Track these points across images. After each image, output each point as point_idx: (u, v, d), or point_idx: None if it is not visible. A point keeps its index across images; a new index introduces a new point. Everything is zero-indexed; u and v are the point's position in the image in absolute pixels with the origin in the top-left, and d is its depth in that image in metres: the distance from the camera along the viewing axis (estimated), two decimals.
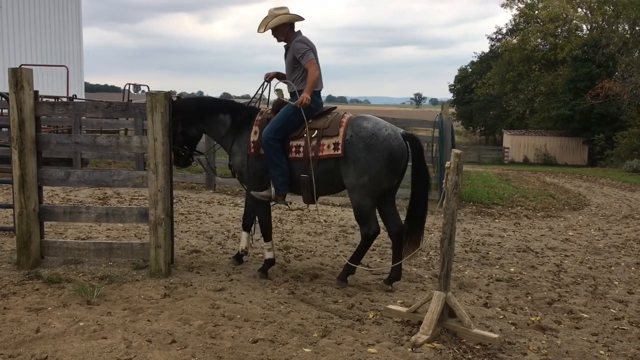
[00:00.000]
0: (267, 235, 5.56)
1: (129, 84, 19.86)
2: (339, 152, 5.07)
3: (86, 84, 25.84)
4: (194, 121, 5.56)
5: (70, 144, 5.27)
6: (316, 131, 5.18)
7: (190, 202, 9.57)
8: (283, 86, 5.54)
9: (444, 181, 4.28)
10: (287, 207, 5.70)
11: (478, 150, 42.47)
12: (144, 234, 6.82)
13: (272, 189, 5.31)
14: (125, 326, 4.08)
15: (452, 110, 58.49)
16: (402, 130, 5.34)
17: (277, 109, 5.41)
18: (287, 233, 7.50)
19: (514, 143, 40.97)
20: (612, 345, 4.25)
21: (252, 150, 5.35)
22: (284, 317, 4.42)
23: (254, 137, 5.35)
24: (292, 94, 5.45)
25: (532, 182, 17.90)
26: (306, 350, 3.85)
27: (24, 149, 5.05)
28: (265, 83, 5.68)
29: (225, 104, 5.75)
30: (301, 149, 5.21)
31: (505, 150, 41.13)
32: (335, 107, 5.53)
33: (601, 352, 4.11)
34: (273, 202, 5.46)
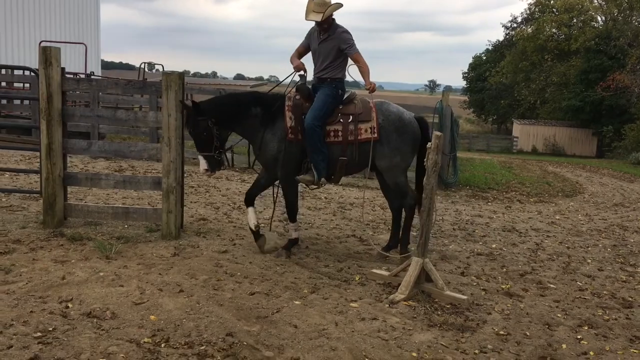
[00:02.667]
0: (293, 217, 5.74)
1: (144, 63, 20.43)
2: (375, 135, 5.57)
3: (102, 61, 26.41)
4: (230, 121, 5.45)
5: (93, 116, 5.83)
6: (351, 116, 5.61)
7: (200, 177, 10.13)
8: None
9: (424, 160, 4.79)
10: (319, 188, 5.95)
11: (487, 138, 42.71)
12: (156, 202, 7.40)
13: (315, 172, 5.50)
14: (139, 277, 4.66)
15: (464, 98, 58.69)
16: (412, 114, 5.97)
17: (308, 96, 5.58)
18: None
19: (524, 132, 41.18)
20: (570, 310, 4.77)
21: (292, 135, 5.43)
22: (279, 276, 4.99)
23: (290, 123, 5.43)
24: (322, 80, 5.66)
25: (534, 170, 18.31)
26: (296, 302, 4.41)
27: (51, 120, 5.61)
28: (299, 73, 5.65)
29: (253, 96, 5.64)
30: (340, 133, 5.55)
31: (515, 139, 41.34)
32: (355, 93, 5.86)
33: (558, 315, 4.63)
34: (315, 186, 5.72)
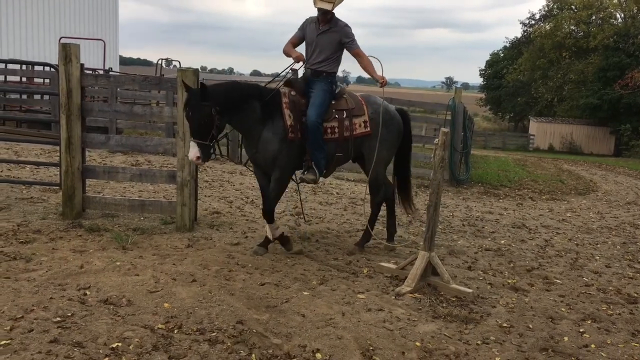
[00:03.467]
0: (272, 216, 5.49)
1: (162, 59, 20.68)
2: (368, 129, 5.63)
3: (120, 57, 26.75)
4: (232, 111, 5.08)
5: (111, 111, 6.03)
6: (345, 112, 5.59)
7: (214, 171, 10.31)
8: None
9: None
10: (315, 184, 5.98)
11: (503, 136, 42.49)
12: (172, 195, 7.58)
13: (316, 170, 5.41)
14: (154, 267, 4.83)
15: (481, 95, 58.32)
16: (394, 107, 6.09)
17: (303, 91, 5.46)
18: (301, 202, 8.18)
19: (540, 130, 40.90)
20: (574, 305, 4.85)
21: (292, 134, 5.22)
22: (289, 268, 5.13)
23: (290, 121, 5.22)
24: (317, 74, 5.52)
25: (549, 168, 18.26)
26: (305, 293, 4.55)
27: (70, 114, 5.80)
28: (294, 67, 5.52)
29: (254, 88, 5.31)
30: (336, 130, 5.48)
31: (531, 137, 41.08)
32: (344, 88, 5.94)
33: (562, 309, 4.72)
34: (314, 184, 5.76)
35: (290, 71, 5.53)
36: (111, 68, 17.62)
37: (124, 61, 28.24)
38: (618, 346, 4.07)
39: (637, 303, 5.03)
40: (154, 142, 6.05)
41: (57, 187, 6.82)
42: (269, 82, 5.71)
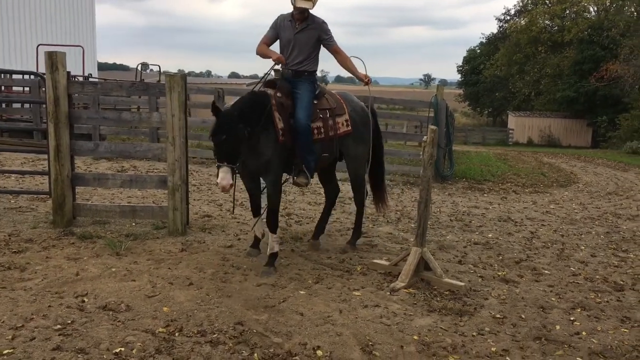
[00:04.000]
0: (276, 226, 5.30)
1: (140, 64, 20.53)
2: (349, 128, 5.59)
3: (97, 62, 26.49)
4: (255, 126, 4.81)
5: (99, 118, 6.03)
6: (328, 111, 5.51)
7: (201, 175, 10.32)
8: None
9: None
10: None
11: (483, 131, 42.92)
12: (160, 201, 7.58)
13: (307, 173, 5.29)
14: (150, 272, 4.85)
15: (459, 91, 58.89)
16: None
17: (288, 93, 5.28)
18: (290, 202, 8.25)
19: (519, 124, 41.42)
20: (563, 294, 4.98)
21: (283, 137, 5.05)
22: (284, 268, 5.19)
23: (280, 125, 5.04)
24: (299, 74, 5.38)
25: (529, 161, 18.54)
26: (301, 292, 4.62)
27: (58, 122, 5.79)
28: (277, 68, 5.37)
29: (264, 96, 5.10)
30: (322, 130, 5.37)
31: (510, 131, 41.57)
32: (324, 87, 5.86)
33: (552, 298, 4.84)
34: (305, 187, 5.57)
35: (272, 73, 5.35)
36: (91, 74, 17.48)
37: (101, 66, 27.98)
38: (608, 332, 4.19)
39: (624, 290, 5.17)
40: (143, 147, 6.06)
41: (46, 196, 6.79)
42: (257, 85, 5.34)
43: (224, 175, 4.52)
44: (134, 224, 6.36)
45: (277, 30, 5.41)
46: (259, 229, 5.51)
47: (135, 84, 6.37)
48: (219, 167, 4.60)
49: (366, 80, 5.48)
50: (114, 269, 4.87)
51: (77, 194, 7.27)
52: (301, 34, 5.35)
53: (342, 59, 5.53)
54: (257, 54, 5.44)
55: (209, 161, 12.06)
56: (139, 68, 20.37)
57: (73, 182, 6.02)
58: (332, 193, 6.20)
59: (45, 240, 5.57)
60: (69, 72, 5.85)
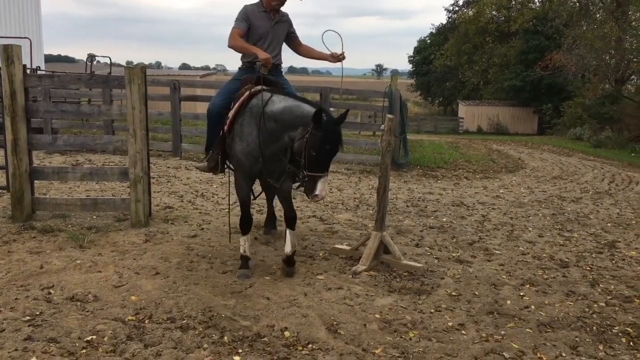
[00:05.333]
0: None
1: (90, 55, 20.06)
2: None
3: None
4: None
5: (57, 112, 5.98)
6: None
7: (159, 167, 10.28)
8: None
9: (379, 141, 5.19)
10: None
11: (435, 120, 43.77)
12: (120, 194, 7.57)
13: None
14: (115, 263, 4.91)
15: (410, 81, 59.76)
16: None
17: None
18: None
19: (469, 113, 42.43)
20: (513, 272, 5.29)
21: None
22: (242, 278, 5.30)
23: None
24: (276, 67, 5.20)
25: (479, 149, 19.12)
26: (266, 277, 4.77)
27: (15, 116, 5.73)
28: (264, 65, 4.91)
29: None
30: None
31: (460, 120, 42.54)
32: None
33: (503, 276, 5.14)
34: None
35: (261, 71, 4.88)
36: (39, 67, 17.00)
37: (47, 59, 27.15)
38: (555, 305, 4.50)
39: (569, 267, 5.52)
40: (104, 140, 6.06)
41: (4, 191, 6.69)
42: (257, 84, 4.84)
43: (326, 186, 4.31)
44: (95, 217, 6.35)
45: (250, 21, 5.04)
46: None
47: (94, 76, 6.34)
48: (318, 178, 4.22)
49: (339, 56, 5.06)
50: (78, 261, 4.90)
51: (34, 188, 7.21)
52: (277, 27, 5.17)
53: (308, 50, 5.39)
54: (234, 48, 5.04)
55: (166, 153, 12.01)
56: (88, 60, 19.92)
57: (32, 176, 5.97)
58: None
59: (5, 235, 5.52)
60: (24, 65, 5.79)
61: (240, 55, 5.26)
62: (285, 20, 5.26)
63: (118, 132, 11.68)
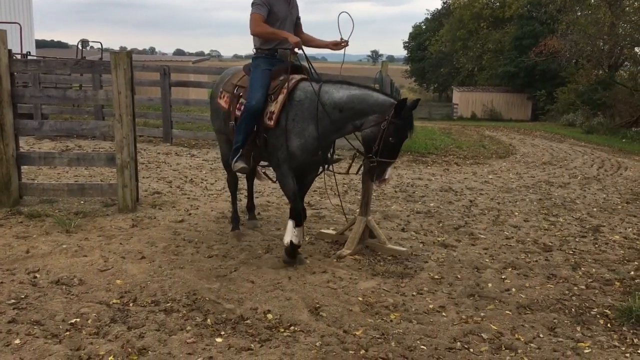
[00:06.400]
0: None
1: (81, 41, 19.91)
2: None
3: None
4: None
5: (43, 96, 5.98)
6: None
7: (149, 153, 10.28)
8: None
9: None
10: None
11: (429, 106, 43.72)
12: (109, 179, 7.58)
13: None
14: (101, 247, 4.94)
15: (406, 67, 59.63)
16: None
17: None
18: (240, 179, 8.36)
19: (463, 99, 42.40)
20: (497, 255, 5.35)
21: None
22: (235, 240, 5.36)
23: None
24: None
25: (471, 135, 19.16)
26: (251, 261, 4.81)
27: (1, 101, 5.72)
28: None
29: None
30: None
31: (455, 106, 42.53)
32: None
33: (487, 260, 5.21)
34: None
35: (296, 58, 4.87)
36: (29, 52, 16.88)
37: (39, 44, 26.95)
38: (535, 288, 4.57)
39: (552, 251, 5.59)
40: (90, 125, 6.07)
41: None
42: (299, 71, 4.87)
43: (392, 171, 4.55)
44: (82, 202, 6.38)
45: (270, 7, 4.80)
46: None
47: (79, 61, 6.33)
48: (389, 164, 4.45)
49: (343, 44, 4.86)
50: (64, 246, 4.93)
51: (23, 173, 7.22)
52: (292, 10, 5.01)
53: (310, 38, 5.17)
54: (261, 34, 4.84)
55: (157, 139, 11.99)
56: (79, 45, 19.78)
57: (18, 162, 5.98)
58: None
59: None
60: (10, 50, 5.77)
61: (254, 43, 4.99)
62: (296, 5, 5.10)
63: (108, 117, 11.66)
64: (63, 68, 6.55)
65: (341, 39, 4.80)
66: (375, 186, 4.56)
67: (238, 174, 5.45)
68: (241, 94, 4.95)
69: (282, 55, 4.92)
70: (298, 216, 4.73)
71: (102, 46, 19.73)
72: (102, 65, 6.31)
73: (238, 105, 4.92)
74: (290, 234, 4.72)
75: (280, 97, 4.64)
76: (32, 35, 22.45)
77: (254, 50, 5.01)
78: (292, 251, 4.77)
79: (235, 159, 4.79)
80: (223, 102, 5.16)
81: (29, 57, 15.61)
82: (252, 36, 4.95)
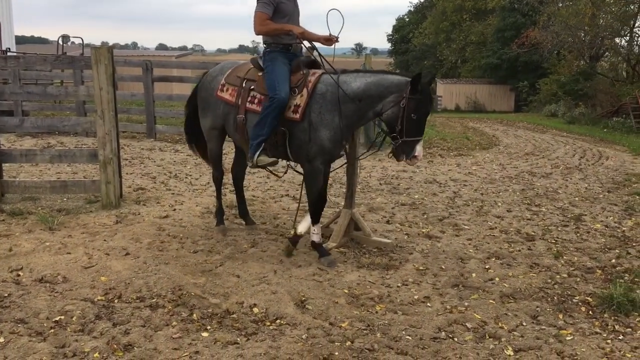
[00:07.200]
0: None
1: (62, 36, 19.69)
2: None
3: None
4: None
5: (23, 93, 5.90)
6: None
7: (133, 149, 10.22)
8: None
9: None
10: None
11: None
12: (91, 176, 7.52)
13: None
14: (85, 244, 4.91)
15: (390, 60, 59.72)
16: None
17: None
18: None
19: (447, 91, 42.61)
20: (480, 246, 5.41)
21: None
22: (220, 235, 5.35)
23: None
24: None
25: (455, 127, 19.29)
26: (237, 255, 4.81)
27: None
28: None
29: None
30: None
31: (439, 98, 42.70)
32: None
33: (470, 250, 5.26)
34: None
35: (307, 51, 4.91)
36: (9, 48, 16.65)
37: (18, 40, 26.57)
38: (518, 277, 4.63)
39: (534, 240, 5.66)
40: (72, 122, 6.01)
41: None
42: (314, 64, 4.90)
43: (421, 148, 4.60)
44: (65, 199, 6.33)
45: (275, 4, 4.79)
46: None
47: (59, 57, 6.26)
48: (416, 142, 4.50)
49: (333, 39, 4.76)
50: (48, 243, 4.89)
51: (3, 171, 7.14)
52: (297, 7, 5.02)
53: (305, 30, 4.98)
54: (267, 33, 4.85)
55: (140, 135, 11.91)
56: (60, 41, 19.56)
57: (0, 159, 5.91)
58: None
59: None
60: None
61: (264, 37, 4.95)
62: (296, 1, 5.04)
63: (90, 113, 11.55)
64: (43, 64, 6.48)
65: (330, 34, 4.75)
66: (407, 163, 4.62)
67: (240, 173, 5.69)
68: (252, 87, 4.90)
69: (296, 49, 4.94)
70: (317, 215, 4.90)
71: (83, 41, 19.55)
72: (82, 61, 6.25)
73: (250, 99, 4.89)
74: (305, 227, 4.85)
75: (305, 91, 4.66)
76: (12, 31, 22.14)
77: (265, 44, 4.96)
78: (297, 241, 4.93)
79: (257, 153, 4.75)
80: (227, 96, 5.04)
81: (9, 54, 15.39)
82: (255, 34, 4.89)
